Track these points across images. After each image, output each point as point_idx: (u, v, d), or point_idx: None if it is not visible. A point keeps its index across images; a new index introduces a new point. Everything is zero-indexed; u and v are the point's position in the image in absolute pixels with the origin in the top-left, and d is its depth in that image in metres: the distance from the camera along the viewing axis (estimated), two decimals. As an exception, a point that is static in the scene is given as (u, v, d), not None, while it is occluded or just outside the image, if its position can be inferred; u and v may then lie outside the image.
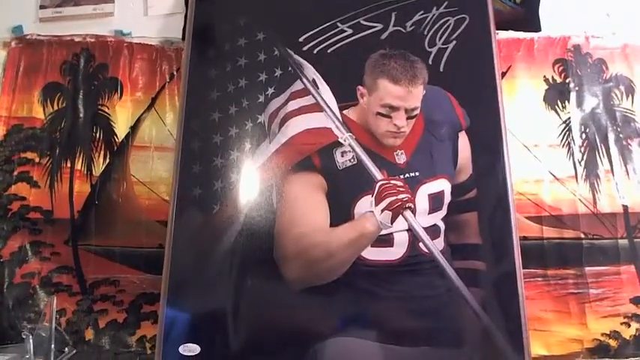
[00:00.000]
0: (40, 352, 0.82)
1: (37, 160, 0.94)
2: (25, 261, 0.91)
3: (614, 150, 0.93)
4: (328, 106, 0.79)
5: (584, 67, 0.96)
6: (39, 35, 1.00)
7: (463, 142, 0.80)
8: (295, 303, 0.75)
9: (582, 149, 0.93)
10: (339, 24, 0.84)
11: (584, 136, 0.94)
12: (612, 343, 0.86)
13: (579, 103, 0.95)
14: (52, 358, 0.82)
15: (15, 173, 0.94)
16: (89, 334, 0.88)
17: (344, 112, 0.80)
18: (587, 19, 0.98)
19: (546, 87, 0.95)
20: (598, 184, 0.91)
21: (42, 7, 1.02)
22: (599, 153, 0.93)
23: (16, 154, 0.95)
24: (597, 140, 0.93)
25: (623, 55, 0.97)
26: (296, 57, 0.82)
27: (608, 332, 0.86)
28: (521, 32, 0.97)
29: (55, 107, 0.97)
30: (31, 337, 0.82)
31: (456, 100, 0.81)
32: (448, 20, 0.84)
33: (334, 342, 0.74)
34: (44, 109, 0.97)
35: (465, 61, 0.82)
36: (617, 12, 0.99)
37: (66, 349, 0.85)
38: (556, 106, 0.95)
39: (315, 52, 0.82)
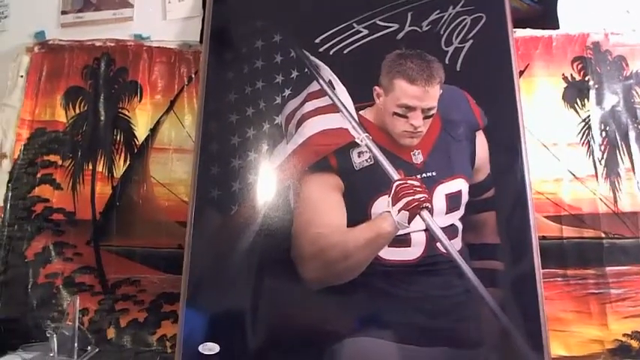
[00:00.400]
0: (64, 351, 0.83)
1: (59, 162, 0.96)
2: (48, 261, 0.92)
3: (635, 148, 0.91)
4: (345, 107, 0.79)
5: (603, 64, 0.95)
6: (61, 40, 1.01)
7: (480, 142, 0.80)
8: (313, 303, 0.75)
9: (602, 147, 0.92)
10: (355, 25, 0.84)
11: (604, 134, 0.92)
12: (634, 343, 0.84)
13: (599, 101, 0.93)
14: (76, 356, 0.83)
15: (38, 175, 0.96)
16: (111, 333, 0.89)
17: (360, 112, 0.80)
18: (607, 15, 0.97)
19: (565, 85, 0.94)
20: (619, 183, 0.90)
21: (63, 12, 1.04)
22: (619, 151, 0.91)
23: (39, 157, 0.96)
24: (618, 138, 0.92)
25: (644, 52, 0.96)
26: (312, 58, 0.82)
27: (630, 333, 0.85)
28: (539, 30, 0.96)
29: (77, 111, 0.98)
30: (55, 335, 0.83)
31: (473, 100, 0.80)
32: (465, 19, 0.84)
33: (352, 342, 0.74)
34: (66, 113, 0.98)
35: (482, 60, 0.82)
36: (637, 8, 0.97)
37: (89, 347, 0.87)
38: (575, 105, 0.93)
39: (331, 53, 0.83)
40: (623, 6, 0.98)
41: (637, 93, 0.94)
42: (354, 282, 0.75)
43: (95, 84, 0.99)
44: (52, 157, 0.96)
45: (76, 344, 0.84)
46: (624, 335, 0.85)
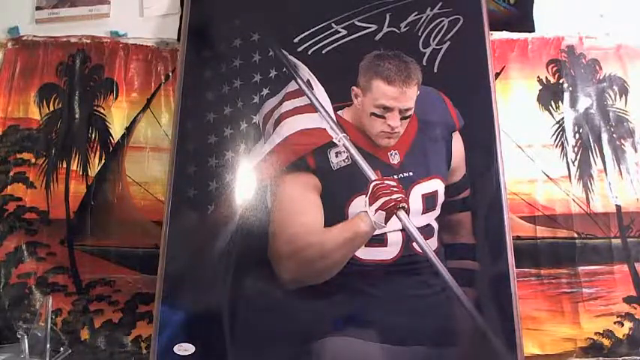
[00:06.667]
0: (36, 352, 0.82)
1: (33, 160, 0.95)
2: (21, 261, 0.91)
3: (607, 150, 0.93)
4: (323, 107, 0.79)
5: (577, 67, 0.97)
6: (35, 36, 1.00)
7: (457, 143, 0.81)
8: (289, 303, 0.75)
9: (576, 149, 0.93)
10: (333, 25, 0.84)
11: (577, 136, 0.94)
12: (605, 342, 0.86)
13: (573, 104, 0.95)
14: (48, 357, 0.82)
15: (11, 174, 0.94)
16: (85, 334, 0.88)
17: (338, 112, 0.80)
18: (581, 19, 0.99)
19: (540, 87, 0.96)
20: (591, 184, 0.92)
21: (38, 8, 1.02)
22: (592, 153, 0.93)
23: (12, 155, 0.95)
24: (591, 140, 0.94)
25: (617, 55, 0.97)
26: (291, 58, 0.82)
27: (602, 331, 0.86)
28: (515, 33, 0.97)
29: (51, 108, 0.97)
30: (26, 336, 0.82)
31: (450, 101, 0.81)
32: (442, 21, 0.84)
33: (328, 341, 0.74)
34: (40, 110, 0.97)
35: (459, 62, 0.83)
36: (611, 13, 0.99)
37: (61, 348, 0.85)
38: (550, 107, 0.95)
39: (309, 52, 0.83)
40: (597, 10, 0.99)
41: (610, 96, 0.96)
42: (330, 282, 0.75)
43: (70, 81, 0.98)
44: (26, 155, 0.95)
45: (48, 345, 0.83)
46: (596, 334, 0.86)
